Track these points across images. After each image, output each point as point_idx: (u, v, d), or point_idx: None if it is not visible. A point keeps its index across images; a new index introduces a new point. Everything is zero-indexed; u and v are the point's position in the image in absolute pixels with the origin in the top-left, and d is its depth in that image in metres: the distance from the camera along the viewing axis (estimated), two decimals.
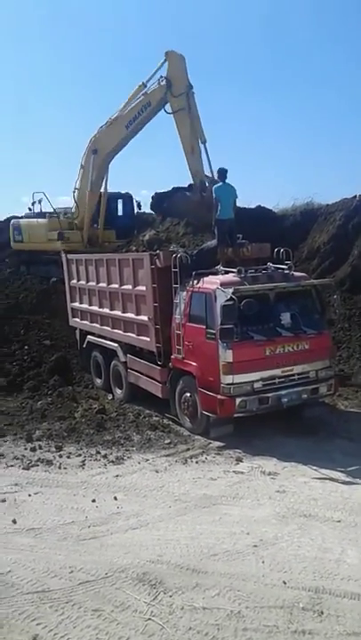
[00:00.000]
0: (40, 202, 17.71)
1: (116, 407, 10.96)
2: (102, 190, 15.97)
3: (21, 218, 19.09)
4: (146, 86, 13.61)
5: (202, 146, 12.92)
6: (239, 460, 8.05)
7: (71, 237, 16.23)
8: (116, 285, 11.17)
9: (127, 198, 18.50)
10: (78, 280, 13.17)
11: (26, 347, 13.39)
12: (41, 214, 17.68)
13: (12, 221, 18.84)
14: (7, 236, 19.02)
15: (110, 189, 16.40)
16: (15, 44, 66.81)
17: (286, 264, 9.67)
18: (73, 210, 16.68)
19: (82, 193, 15.86)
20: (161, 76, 13.23)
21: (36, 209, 17.94)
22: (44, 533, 6.13)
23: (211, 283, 8.97)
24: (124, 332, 11.13)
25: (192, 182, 12.79)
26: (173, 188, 13.34)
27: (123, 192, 18.56)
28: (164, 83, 13.07)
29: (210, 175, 12.57)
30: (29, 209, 17.80)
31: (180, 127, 12.95)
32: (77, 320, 13.49)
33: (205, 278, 9.16)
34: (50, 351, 13.36)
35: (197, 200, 12.24)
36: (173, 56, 13.08)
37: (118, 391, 11.70)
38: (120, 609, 4.57)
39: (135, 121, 14.10)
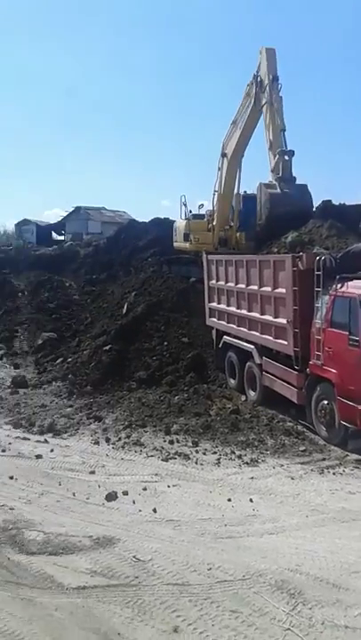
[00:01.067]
0: (201, 205, 18.31)
1: (250, 409, 10.99)
2: (236, 192, 16.13)
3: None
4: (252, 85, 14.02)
5: (281, 134, 12.94)
6: None
7: (201, 238, 16.68)
8: (255, 287, 11.17)
9: None
10: (217, 280, 13.38)
11: (165, 343, 13.92)
12: (198, 216, 18.31)
13: (174, 223, 19.79)
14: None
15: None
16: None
17: None
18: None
19: (217, 195, 16.25)
20: (255, 74, 13.69)
21: (195, 211, 18.60)
22: (183, 526, 6.36)
23: (356, 287, 8.62)
24: (261, 334, 11.10)
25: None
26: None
27: None
28: (256, 80, 13.58)
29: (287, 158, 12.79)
30: (190, 211, 18.55)
31: (264, 121, 13.17)
32: (214, 320, 13.71)
33: (350, 282, 8.82)
34: (187, 349, 13.75)
35: (281, 194, 12.42)
36: (263, 51, 13.44)
37: (252, 393, 11.71)
38: (258, 614, 4.58)
39: (245, 121, 14.40)
